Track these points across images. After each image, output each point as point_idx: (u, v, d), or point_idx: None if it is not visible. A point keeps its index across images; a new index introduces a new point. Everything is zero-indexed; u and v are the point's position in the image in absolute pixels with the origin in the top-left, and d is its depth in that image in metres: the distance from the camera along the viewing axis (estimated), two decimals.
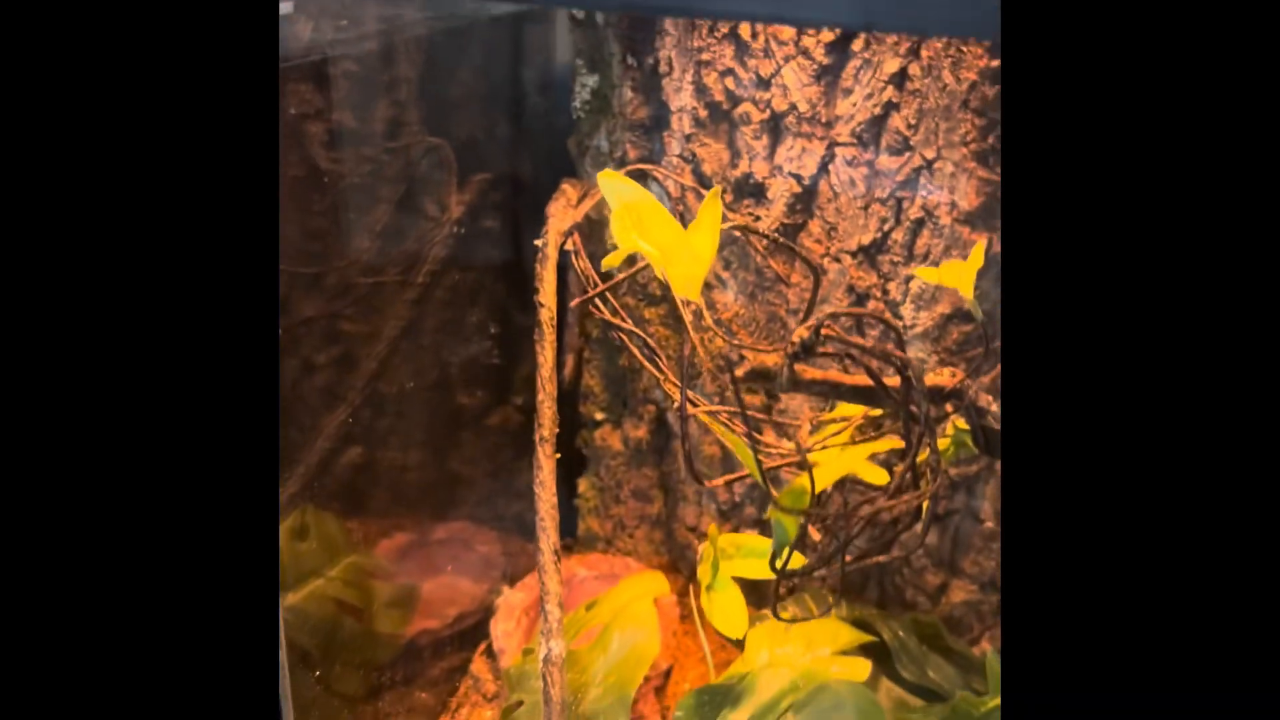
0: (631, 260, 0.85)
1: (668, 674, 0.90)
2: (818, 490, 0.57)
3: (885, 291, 0.82)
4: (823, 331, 0.57)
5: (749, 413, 0.59)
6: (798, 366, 0.60)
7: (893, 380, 0.62)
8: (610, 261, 0.62)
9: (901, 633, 0.81)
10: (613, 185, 0.61)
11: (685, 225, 0.60)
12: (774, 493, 0.56)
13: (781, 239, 0.72)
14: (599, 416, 1.00)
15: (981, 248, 0.59)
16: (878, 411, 0.70)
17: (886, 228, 0.81)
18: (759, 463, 0.55)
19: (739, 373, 0.57)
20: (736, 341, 0.68)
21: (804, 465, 0.54)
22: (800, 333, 0.57)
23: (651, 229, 0.60)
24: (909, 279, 0.82)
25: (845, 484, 0.80)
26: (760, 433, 0.76)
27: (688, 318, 0.59)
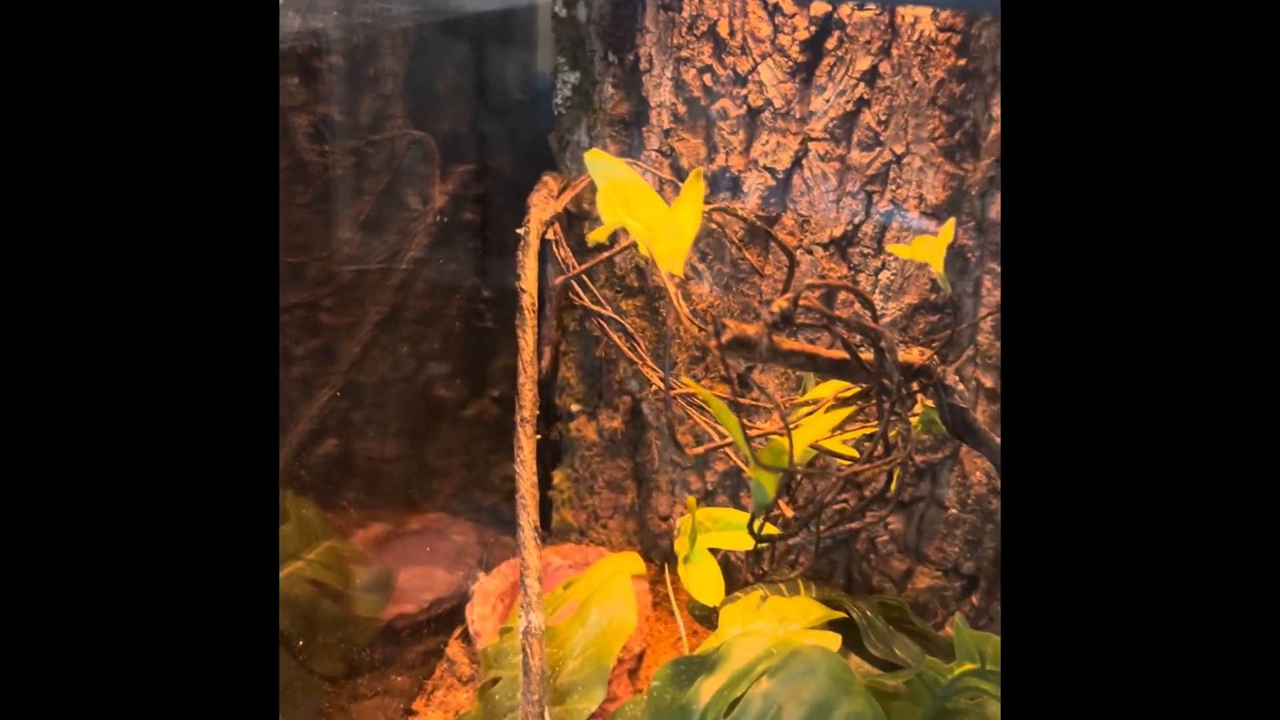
0: (610, 244, 0.88)
1: (640, 657, 0.92)
2: (796, 458, 0.60)
3: (855, 282, 0.85)
4: (800, 303, 0.60)
5: (729, 383, 0.61)
6: (776, 337, 0.63)
7: (866, 355, 0.65)
8: (596, 236, 0.65)
9: (869, 612, 0.83)
10: (600, 164, 0.63)
11: None
12: (754, 450, 0.58)
13: (759, 223, 0.75)
14: (574, 408, 1.02)
15: (951, 224, 0.62)
16: (849, 392, 0.73)
17: (857, 220, 0.84)
18: (741, 425, 0.57)
19: (723, 339, 0.59)
20: (716, 316, 0.70)
21: (783, 422, 0.56)
22: (780, 303, 0.59)
23: (637, 206, 0.62)
24: (879, 270, 0.85)
25: (816, 465, 0.83)
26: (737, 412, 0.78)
27: (672, 289, 0.61)
